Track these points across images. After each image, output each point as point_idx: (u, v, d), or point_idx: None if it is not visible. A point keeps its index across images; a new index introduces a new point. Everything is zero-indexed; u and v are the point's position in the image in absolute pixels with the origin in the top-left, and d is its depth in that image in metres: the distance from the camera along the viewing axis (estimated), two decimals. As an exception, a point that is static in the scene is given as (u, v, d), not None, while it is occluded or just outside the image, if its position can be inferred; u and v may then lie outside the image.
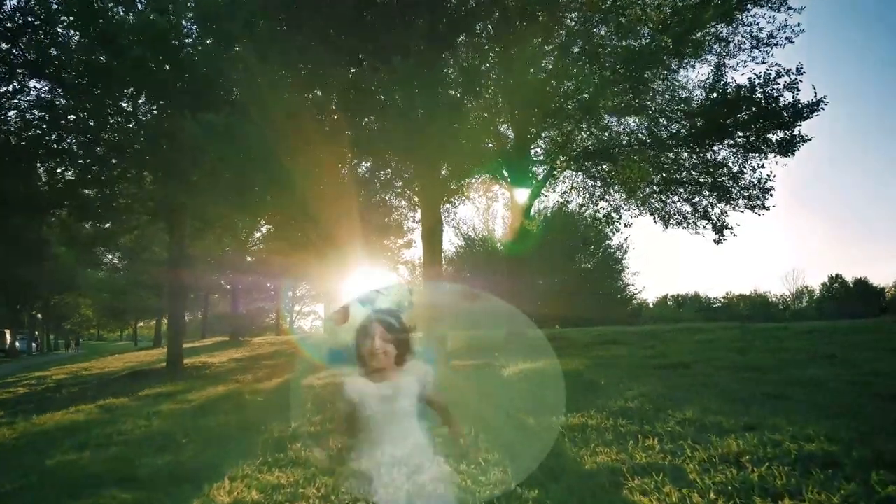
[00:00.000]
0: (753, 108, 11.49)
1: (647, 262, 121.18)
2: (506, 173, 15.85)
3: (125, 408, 10.90)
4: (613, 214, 15.31)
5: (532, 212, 17.09)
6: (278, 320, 51.63)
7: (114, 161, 14.94)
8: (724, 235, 13.89)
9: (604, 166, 14.63)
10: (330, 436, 3.00)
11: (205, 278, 39.70)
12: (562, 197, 17.59)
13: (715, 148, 12.76)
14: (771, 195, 13.63)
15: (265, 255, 39.06)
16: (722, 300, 76.12)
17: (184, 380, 15.46)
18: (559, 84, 11.55)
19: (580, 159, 14.23)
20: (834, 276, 69.63)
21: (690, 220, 15.60)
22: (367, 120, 13.57)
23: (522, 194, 15.94)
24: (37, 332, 67.32)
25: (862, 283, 68.41)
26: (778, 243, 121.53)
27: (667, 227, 15.73)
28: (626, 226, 15.55)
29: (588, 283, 45.81)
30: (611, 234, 16.43)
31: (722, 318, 71.38)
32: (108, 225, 20.23)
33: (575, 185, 17.69)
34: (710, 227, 13.95)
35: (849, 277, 69.30)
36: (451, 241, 57.28)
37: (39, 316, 64.63)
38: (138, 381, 15.98)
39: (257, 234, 38.13)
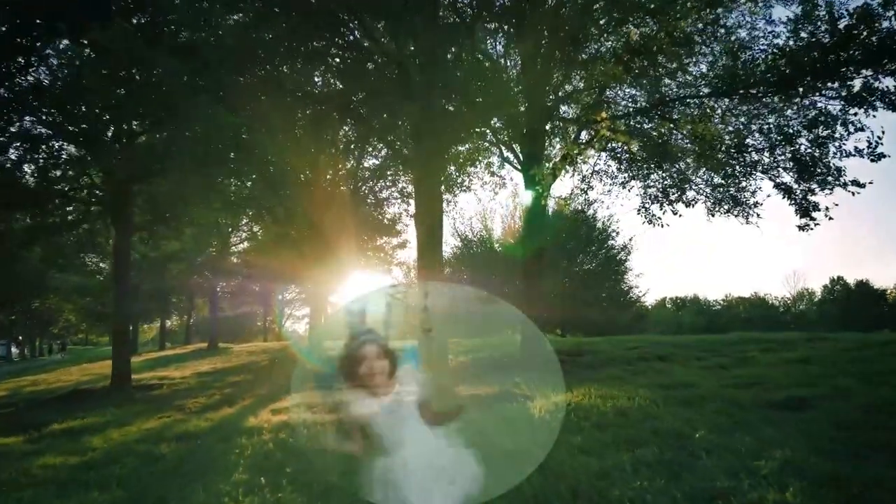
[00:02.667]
0: (872, 40, 8.18)
1: (643, 262, 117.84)
2: (517, 150, 12.58)
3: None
4: (672, 191, 11.95)
5: (537, 204, 13.71)
6: (265, 325, 48.28)
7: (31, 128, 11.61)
8: (813, 219, 10.51)
9: (636, 147, 11.25)
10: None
11: (187, 281, 36.26)
12: (582, 183, 14.28)
13: (813, 98, 9.49)
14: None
15: (251, 255, 35.76)
16: (721, 302, 72.96)
17: (120, 404, 12.14)
18: (596, 20, 8.31)
19: (632, 116, 10.89)
20: (835, 278, 66.66)
21: (742, 206, 12.38)
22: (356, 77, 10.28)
23: (532, 186, 12.76)
24: (20, 338, 63.85)
25: (864, 286, 65.54)
26: (777, 245, 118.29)
27: (714, 213, 12.51)
28: (687, 206, 12.23)
29: (590, 286, 42.61)
30: (657, 222, 12.39)
31: (723, 320, 68.28)
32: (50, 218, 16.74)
33: (598, 168, 14.45)
34: (793, 207, 10.61)
35: (850, 279, 66.34)
36: (446, 242, 54.16)
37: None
38: (68, 406, 12.68)
39: (243, 234, 34.85)
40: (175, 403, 11.67)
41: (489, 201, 18.76)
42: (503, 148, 13.23)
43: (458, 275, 41.36)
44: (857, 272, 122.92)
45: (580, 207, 14.86)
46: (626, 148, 13.92)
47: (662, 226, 12.05)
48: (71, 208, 16.60)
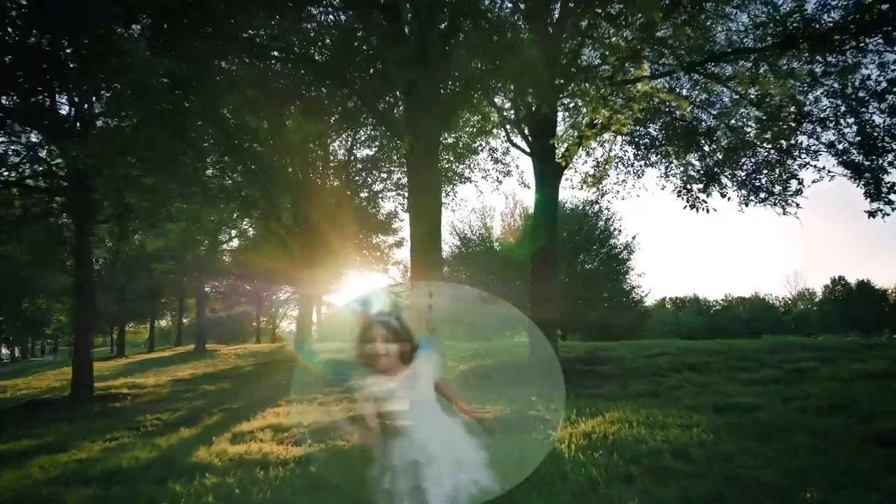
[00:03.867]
0: None
1: (641, 262, 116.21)
2: (526, 131, 10.95)
3: None
4: (721, 170, 10.28)
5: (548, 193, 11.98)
6: (258, 326, 46.61)
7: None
8: (890, 202, 8.78)
9: (688, 107, 9.48)
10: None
11: (176, 280, 34.45)
12: (595, 170, 12.68)
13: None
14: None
15: (242, 255, 34.10)
16: (721, 303, 71.30)
17: (72, 420, 10.47)
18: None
19: (678, 69, 9.13)
20: (836, 278, 65.10)
21: (780, 194, 10.81)
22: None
23: (544, 170, 11.11)
24: (10, 338, 62.13)
25: (865, 286, 64.04)
26: (778, 244, 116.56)
27: (748, 203, 10.93)
28: (742, 188, 10.52)
29: (591, 286, 40.87)
30: (701, 206, 10.58)
31: (723, 321, 66.62)
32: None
33: (613, 153, 12.85)
34: (862, 189, 8.93)
35: (851, 279, 64.81)
36: (444, 241, 52.78)
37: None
38: (15, 420, 10.99)
39: (233, 232, 33.15)
40: (133, 419, 9.99)
41: (492, 192, 16.55)
42: (509, 130, 11.59)
43: (455, 274, 39.69)
44: (856, 272, 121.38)
45: (592, 198, 13.16)
46: (647, 130, 12.34)
47: (707, 210, 10.37)
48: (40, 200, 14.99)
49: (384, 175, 19.13)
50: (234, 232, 29.88)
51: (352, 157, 18.23)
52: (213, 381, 14.96)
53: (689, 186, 10.49)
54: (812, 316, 65.98)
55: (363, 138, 17.95)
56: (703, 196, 10.36)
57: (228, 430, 7.59)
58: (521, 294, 34.86)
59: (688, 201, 10.41)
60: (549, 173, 11.04)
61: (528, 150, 11.52)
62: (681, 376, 8.73)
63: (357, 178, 18.74)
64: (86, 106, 12.52)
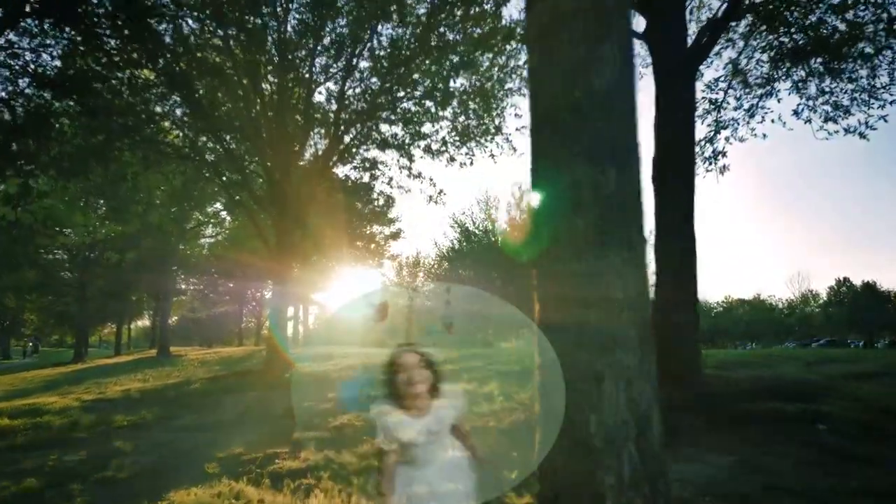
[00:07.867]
0: None
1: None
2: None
3: None
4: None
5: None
6: (240, 327, 41.48)
7: None
8: None
9: None
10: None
11: (144, 277, 29.22)
12: (713, 89, 8.01)
13: None
14: None
15: (219, 248, 29.09)
16: (722, 304, 67.13)
17: None
18: None
19: None
20: (841, 279, 61.22)
21: None
22: None
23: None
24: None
25: (870, 288, 60.25)
26: (780, 245, 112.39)
27: None
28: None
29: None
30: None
31: (724, 323, 62.45)
32: None
33: (741, 66, 8.18)
34: None
35: (857, 281, 60.96)
36: (445, 235, 48.28)
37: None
38: None
39: (210, 222, 28.11)
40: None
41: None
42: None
43: (453, 272, 34.88)
44: (862, 273, 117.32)
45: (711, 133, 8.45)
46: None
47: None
48: None
49: (392, 119, 13.72)
50: (201, 216, 24.81)
51: (345, 100, 13.08)
52: (142, 406, 9.92)
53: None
54: (816, 318, 62.14)
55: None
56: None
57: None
58: (521, 294, 30.23)
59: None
60: (675, 71, 6.30)
61: (638, 31, 6.76)
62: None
63: (351, 131, 13.60)
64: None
